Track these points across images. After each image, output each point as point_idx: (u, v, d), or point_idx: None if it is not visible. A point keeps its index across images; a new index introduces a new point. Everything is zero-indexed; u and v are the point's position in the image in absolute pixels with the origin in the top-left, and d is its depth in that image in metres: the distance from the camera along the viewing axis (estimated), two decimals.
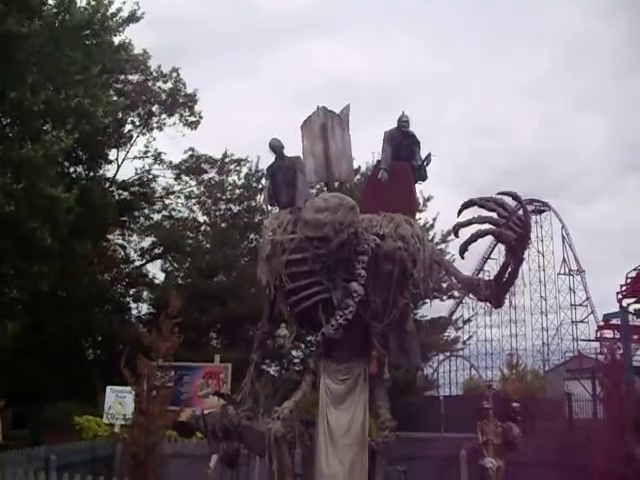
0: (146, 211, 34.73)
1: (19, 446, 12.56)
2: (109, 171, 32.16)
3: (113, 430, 17.44)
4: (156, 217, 34.73)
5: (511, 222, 8.42)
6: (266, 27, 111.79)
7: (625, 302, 33.80)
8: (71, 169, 28.26)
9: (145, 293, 33.33)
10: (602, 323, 39.09)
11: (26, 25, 19.20)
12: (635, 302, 33.83)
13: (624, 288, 33.63)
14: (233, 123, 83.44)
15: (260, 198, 31.00)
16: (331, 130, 10.84)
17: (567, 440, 13.94)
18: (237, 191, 33.76)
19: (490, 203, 8.60)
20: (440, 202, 32.70)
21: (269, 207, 11.23)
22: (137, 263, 35.15)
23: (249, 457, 10.91)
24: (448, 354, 47.60)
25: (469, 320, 46.80)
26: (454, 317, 42.89)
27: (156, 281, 33.70)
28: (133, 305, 33.44)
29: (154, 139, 33.77)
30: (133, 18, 26.08)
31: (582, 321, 66.04)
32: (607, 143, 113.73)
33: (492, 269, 53.46)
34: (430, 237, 29.55)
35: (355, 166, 22.39)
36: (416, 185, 10.87)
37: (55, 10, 21.29)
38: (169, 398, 10.70)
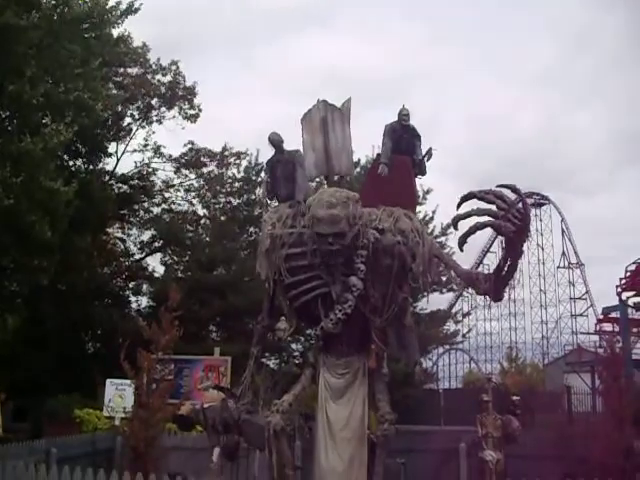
0: (146, 204, 34.70)
1: (20, 439, 12.56)
2: (108, 164, 32.13)
3: (113, 423, 17.47)
4: (156, 210, 34.74)
5: (510, 214, 8.40)
6: (265, 19, 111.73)
7: (624, 295, 33.81)
8: (70, 162, 28.20)
9: (145, 286, 33.34)
10: (601, 316, 39.10)
11: (24, 17, 19.13)
12: (634, 295, 33.83)
13: (623, 281, 33.64)
14: (233, 116, 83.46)
15: (259, 191, 30.96)
16: (331, 124, 10.82)
17: (566, 433, 13.95)
18: (236, 184, 33.73)
19: (489, 195, 8.58)
20: (440, 194, 32.77)
21: (268, 201, 11.22)
22: (137, 256, 35.17)
23: (249, 450, 10.94)
24: (448, 347, 47.64)
25: (468, 313, 46.92)
26: (453, 310, 43.00)
27: (156, 274, 33.75)
28: (133, 298, 33.47)
29: (153, 132, 33.77)
30: (131, 10, 25.98)
31: (581, 314, 66.15)
32: (608, 135, 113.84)
33: (492, 262, 53.54)
34: (430, 230, 29.57)
35: (355, 159, 22.34)
36: (416, 179, 10.88)
37: (54, 2, 21.21)
38: (169, 391, 10.76)
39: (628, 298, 33.85)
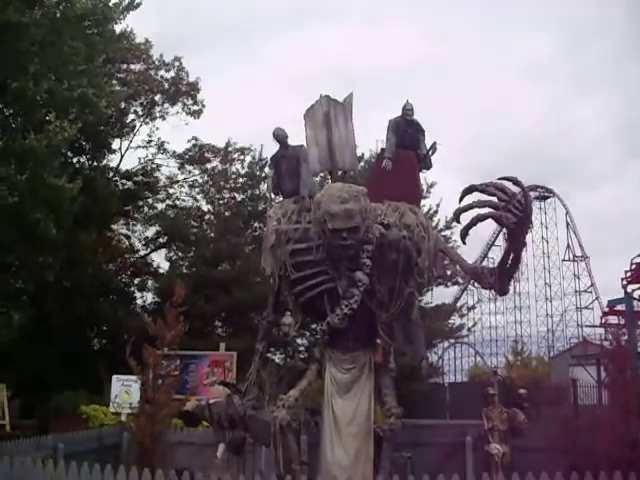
0: (150, 200, 34.72)
1: (27, 435, 12.61)
2: (112, 161, 32.19)
3: (119, 419, 17.53)
4: (160, 206, 34.74)
5: (511, 205, 8.41)
6: (267, 15, 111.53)
7: (630, 288, 33.65)
8: (74, 159, 28.22)
9: (150, 282, 33.37)
10: (607, 309, 38.96)
11: (27, 15, 19.13)
12: None
13: (629, 274, 33.48)
14: (236, 112, 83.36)
15: (264, 186, 30.95)
16: (334, 119, 10.82)
17: (572, 426, 13.95)
18: (241, 180, 33.72)
19: (490, 188, 8.61)
20: (444, 188, 32.69)
21: (273, 196, 11.22)
22: (141, 252, 35.23)
23: (255, 445, 10.97)
24: (453, 341, 47.59)
25: (474, 307, 46.85)
26: (459, 304, 42.95)
27: (161, 270, 33.77)
28: (138, 294, 33.51)
29: (157, 128, 33.77)
30: (133, 5, 25.96)
31: (587, 307, 66.04)
32: (612, 127, 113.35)
33: (496, 256, 53.43)
34: (434, 223, 29.52)
35: (358, 154, 22.33)
36: (420, 173, 10.87)
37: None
38: (175, 387, 10.78)
39: (633, 291, 33.73)
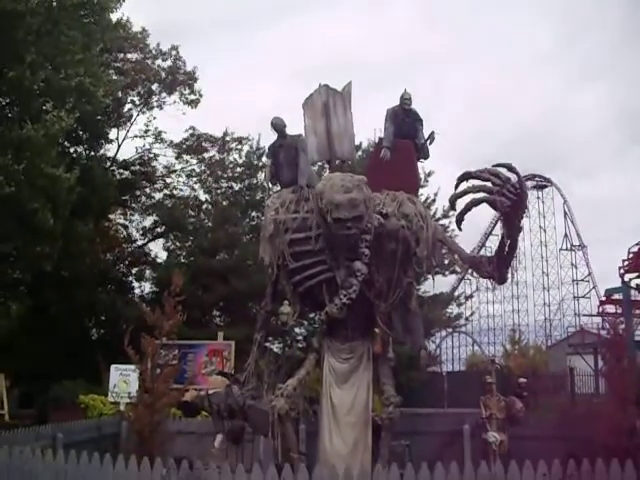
0: (147, 190, 34.69)
1: (26, 425, 12.64)
2: (110, 150, 32.16)
3: (118, 408, 17.56)
4: (157, 196, 34.70)
5: (505, 190, 8.41)
6: (265, 2, 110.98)
7: (627, 277, 33.74)
8: (72, 149, 28.19)
9: (148, 272, 33.37)
10: (604, 298, 39.06)
11: (23, 3, 19.03)
12: (637, 277, 33.79)
13: (626, 263, 33.56)
14: (234, 101, 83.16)
15: (261, 176, 30.92)
16: (333, 108, 10.81)
17: (569, 414, 14.00)
18: (238, 169, 33.65)
19: (484, 173, 8.60)
20: (442, 177, 32.50)
21: (270, 186, 11.21)
22: (139, 242, 35.21)
23: (254, 434, 11.00)
24: (451, 330, 47.65)
25: (471, 296, 46.90)
26: (456, 293, 42.99)
27: (158, 260, 33.76)
28: (136, 284, 33.51)
29: (154, 118, 33.67)
30: None
31: (584, 296, 66.22)
32: (610, 117, 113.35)
33: (494, 245, 53.42)
34: (432, 212, 29.51)
35: (356, 142, 22.32)
36: (418, 163, 10.86)
37: None
38: (173, 376, 10.77)
39: (631, 280, 33.78)
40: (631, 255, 33.49)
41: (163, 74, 32.89)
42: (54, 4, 20.69)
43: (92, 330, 32.09)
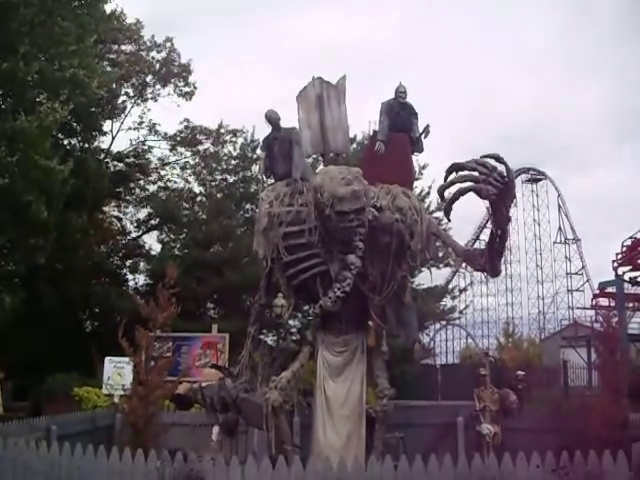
0: (141, 182, 34.63)
1: (20, 417, 12.63)
2: (104, 142, 32.08)
3: (112, 400, 17.56)
4: (151, 188, 34.66)
5: (491, 178, 8.42)
6: None
7: (620, 270, 33.96)
8: (65, 141, 28.08)
9: (142, 264, 33.29)
10: (598, 291, 39.28)
11: None
12: (630, 270, 34.00)
13: (619, 256, 33.77)
14: (228, 93, 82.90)
15: (256, 168, 30.87)
16: (327, 101, 10.79)
17: (563, 407, 14.07)
18: (233, 161, 33.58)
19: (471, 163, 8.62)
20: (436, 170, 32.42)
21: (265, 179, 11.20)
22: (133, 234, 35.13)
23: (248, 426, 11.03)
24: (445, 323, 47.74)
25: (465, 289, 46.98)
26: (450, 286, 43.05)
27: (152, 252, 33.67)
28: (130, 276, 33.43)
29: (149, 110, 33.63)
30: None
31: (578, 289, 66.36)
32: (605, 111, 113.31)
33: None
34: (426, 205, 29.53)
35: (351, 135, 22.31)
36: (413, 156, 10.86)
37: None
38: (167, 368, 10.78)
39: (624, 273, 34.01)
40: (624, 248, 33.65)
41: (157, 66, 32.80)
42: None
43: (86, 322, 32.07)
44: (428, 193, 31.34)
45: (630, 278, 34.23)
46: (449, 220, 9.25)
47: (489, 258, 9.32)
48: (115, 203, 34.51)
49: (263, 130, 10.89)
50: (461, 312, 44.23)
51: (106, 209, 33.60)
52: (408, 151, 10.51)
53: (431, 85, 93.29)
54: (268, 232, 9.91)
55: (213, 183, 33.80)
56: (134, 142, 33.86)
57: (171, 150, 34.60)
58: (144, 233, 34.75)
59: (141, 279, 32.97)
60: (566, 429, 10.93)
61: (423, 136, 10.50)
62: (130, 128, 33.44)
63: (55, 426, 11.19)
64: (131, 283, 33.10)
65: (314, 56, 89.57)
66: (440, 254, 23.90)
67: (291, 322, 27.28)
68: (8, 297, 20.25)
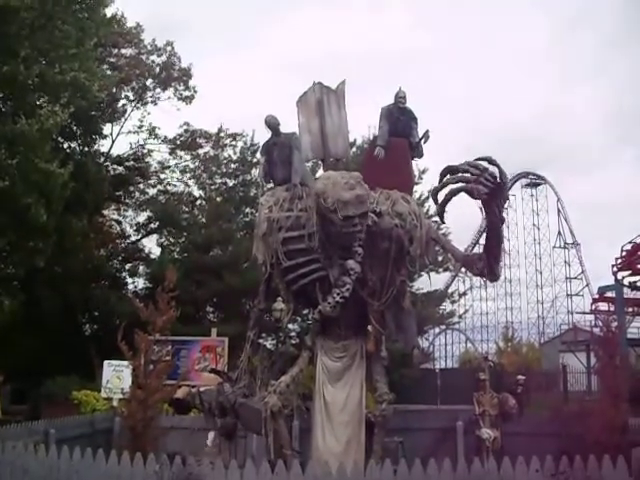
0: (141, 186, 34.62)
1: (18, 421, 12.62)
2: (104, 146, 32.09)
3: (111, 404, 17.55)
4: (151, 192, 34.65)
5: (482, 178, 8.44)
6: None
7: (620, 275, 33.94)
8: (65, 144, 28.09)
9: (141, 268, 33.26)
10: (597, 296, 39.30)
11: None
12: (630, 275, 34.00)
13: (619, 261, 33.76)
14: (228, 97, 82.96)
15: (255, 172, 30.88)
16: (327, 106, 10.78)
17: (562, 411, 14.07)
18: (232, 165, 33.62)
19: (464, 165, 8.65)
20: (435, 175, 32.44)
21: (264, 183, 11.20)
22: (133, 238, 35.13)
23: (246, 431, 11.02)
24: (444, 327, 47.77)
25: (465, 293, 46.98)
26: (450, 290, 43.05)
27: (152, 256, 33.64)
28: (129, 280, 33.38)
29: (148, 113, 33.66)
30: None
31: (577, 294, 66.36)
32: (604, 115, 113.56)
33: None
34: (425, 210, 29.54)
35: (350, 139, 22.33)
36: (412, 161, 10.87)
37: None
38: (166, 372, 10.79)
39: (623, 277, 33.99)
40: (624, 253, 33.64)
41: (158, 70, 32.84)
42: None
43: (85, 326, 32.04)
44: (427, 198, 31.32)
45: (629, 283, 34.22)
46: (443, 222, 9.29)
47: (487, 262, 9.33)
48: (115, 206, 34.53)
49: (263, 134, 10.90)
50: (460, 316, 44.16)
51: (106, 212, 33.62)
52: (408, 156, 10.50)
53: (431, 86, 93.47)
54: (267, 237, 9.90)
55: (213, 187, 33.82)
56: (134, 146, 33.91)
57: (171, 154, 34.63)
58: (144, 237, 34.76)
59: (140, 282, 32.97)
60: (566, 434, 10.94)
61: (423, 141, 10.50)
62: (130, 132, 33.51)
63: (54, 429, 11.18)
64: (130, 286, 33.09)
65: (316, 59, 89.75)
66: (440, 258, 23.94)
67: (290, 326, 27.28)
68: (7, 300, 20.25)
